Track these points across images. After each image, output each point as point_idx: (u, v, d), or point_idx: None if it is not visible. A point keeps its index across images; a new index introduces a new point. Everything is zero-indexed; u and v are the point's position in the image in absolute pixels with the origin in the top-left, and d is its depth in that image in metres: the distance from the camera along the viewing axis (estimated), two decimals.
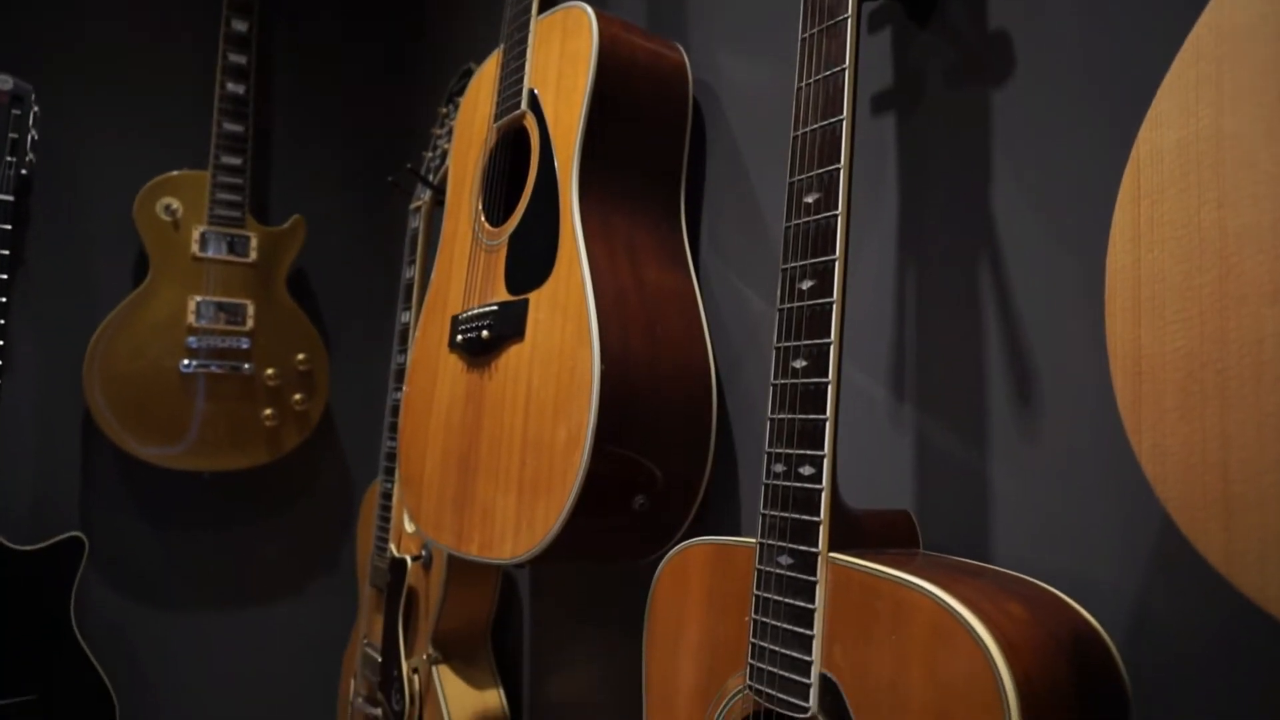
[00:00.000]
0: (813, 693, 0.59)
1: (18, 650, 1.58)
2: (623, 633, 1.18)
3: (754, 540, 0.67)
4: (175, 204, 1.79)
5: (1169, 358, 0.42)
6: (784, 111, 0.95)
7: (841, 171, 0.65)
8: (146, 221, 1.77)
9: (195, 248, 1.80)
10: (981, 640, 0.50)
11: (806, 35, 0.71)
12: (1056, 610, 0.57)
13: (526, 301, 0.97)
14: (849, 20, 0.67)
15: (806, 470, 0.63)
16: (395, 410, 1.53)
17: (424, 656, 1.35)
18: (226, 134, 1.85)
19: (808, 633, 0.60)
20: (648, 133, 1.02)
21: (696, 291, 0.99)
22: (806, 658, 0.60)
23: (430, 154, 1.63)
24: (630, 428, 0.87)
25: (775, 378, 0.67)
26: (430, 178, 1.58)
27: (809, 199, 0.68)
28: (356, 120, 2.17)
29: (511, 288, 1.01)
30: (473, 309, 1.08)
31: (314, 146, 2.12)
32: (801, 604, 0.61)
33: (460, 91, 1.55)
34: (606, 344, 0.86)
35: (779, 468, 0.65)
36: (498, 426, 0.98)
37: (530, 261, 0.99)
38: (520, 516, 0.92)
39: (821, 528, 0.61)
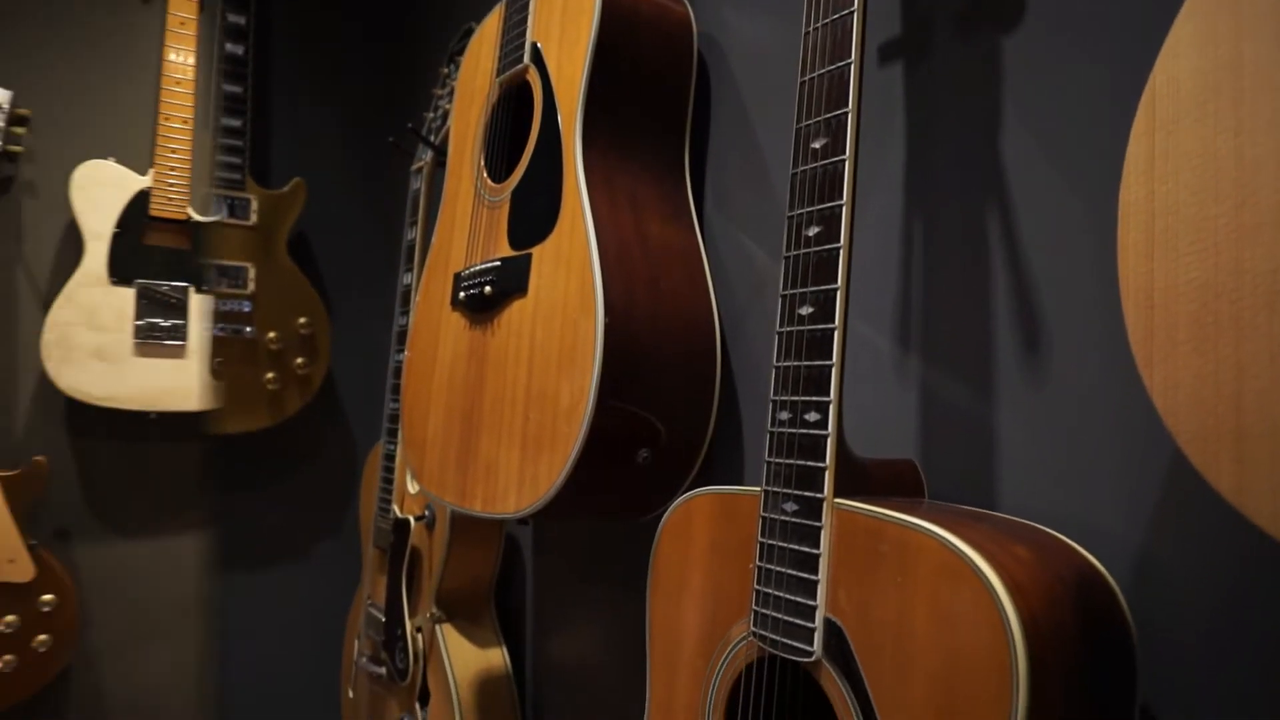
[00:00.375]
0: (817, 637, 0.59)
1: None
2: (626, 590, 1.18)
3: (758, 489, 0.67)
4: None
5: (1182, 290, 0.42)
6: (790, 67, 0.94)
7: (849, 115, 0.65)
8: None
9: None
10: (988, 580, 0.50)
11: None
12: (1062, 553, 0.57)
13: (529, 256, 0.97)
14: None
15: (812, 416, 0.63)
16: (397, 372, 1.53)
17: (428, 615, 1.36)
18: (227, 95, 1.83)
19: (812, 578, 0.60)
20: (652, 86, 1.01)
21: (701, 246, 0.99)
22: (811, 602, 0.60)
23: (431, 114, 1.61)
24: (634, 381, 0.87)
25: (781, 325, 0.67)
26: (431, 138, 1.57)
27: (816, 144, 0.67)
28: (357, 82, 2.15)
29: (514, 243, 1.01)
30: (475, 265, 1.07)
31: (314, 109, 2.10)
32: (806, 549, 0.61)
33: (461, 51, 1.53)
34: (610, 297, 0.86)
35: (784, 415, 0.65)
36: (500, 382, 0.98)
37: (533, 216, 0.98)
38: (524, 471, 0.92)
39: (827, 473, 0.61)
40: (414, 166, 1.63)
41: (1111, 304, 0.63)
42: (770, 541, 0.64)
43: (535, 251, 0.96)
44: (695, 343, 0.93)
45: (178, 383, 1.71)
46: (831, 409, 0.62)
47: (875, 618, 0.56)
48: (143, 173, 1.72)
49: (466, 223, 1.14)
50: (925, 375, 0.77)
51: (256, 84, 1.93)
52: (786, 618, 0.62)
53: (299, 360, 1.88)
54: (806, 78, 0.69)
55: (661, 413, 0.90)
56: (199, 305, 1.75)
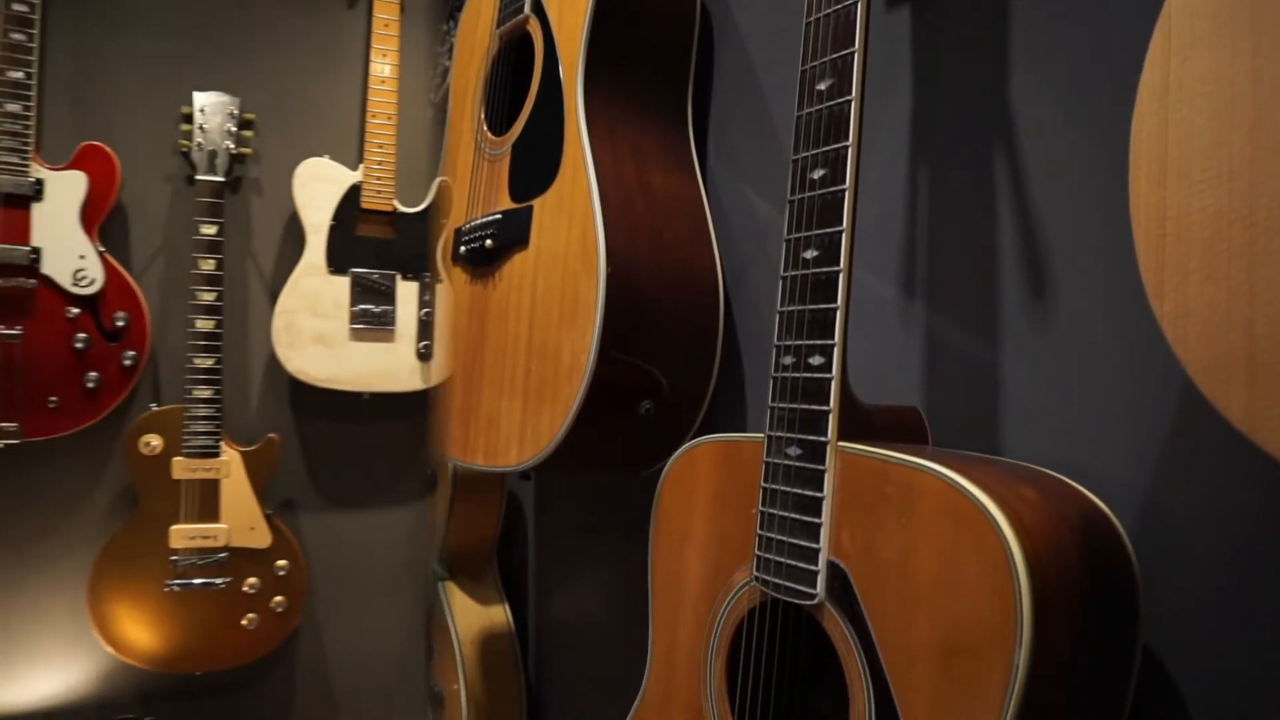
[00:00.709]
0: (820, 579, 0.59)
1: None
2: (627, 545, 1.19)
3: (761, 435, 0.66)
4: None
5: (1195, 218, 0.41)
6: (793, 19, 0.92)
7: (855, 55, 0.63)
8: None
9: None
10: (995, 520, 0.49)
11: None
12: (1068, 496, 0.57)
13: (531, 208, 0.96)
14: None
15: (816, 360, 0.62)
16: None
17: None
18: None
19: (815, 521, 0.60)
20: (655, 36, 1.00)
21: (704, 197, 0.98)
22: (814, 545, 0.60)
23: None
24: (636, 332, 0.86)
25: (785, 270, 0.66)
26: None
27: (821, 85, 0.66)
28: None
29: (515, 195, 1.00)
30: (475, 219, 1.06)
31: None
32: (809, 493, 0.61)
33: (460, 7, 1.51)
34: (612, 247, 0.85)
35: (788, 359, 0.65)
36: (502, 335, 0.97)
37: (534, 168, 0.97)
38: (525, 423, 0.91)
39: (831, 416, 0.61)
40: None
41: (1118, 249, 0.62)
42: (773, 486, 0.64)
43: (536, 203, 0.95)
44: (698, 294, 0.93)
45: (388, 365, 1.78)
46: (836, 352, 0.61)
47: (879, 559, 0.56)
48: (353, 168, 1.78)
49: (467, 177, 1.13)
50: (930, 322, 0.76)
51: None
52: (789, 561, 0.62)
53: None
54: (812, 18, 0.68)
55: (664, 364, 0.90)
56: (405, 292, 1.80)
